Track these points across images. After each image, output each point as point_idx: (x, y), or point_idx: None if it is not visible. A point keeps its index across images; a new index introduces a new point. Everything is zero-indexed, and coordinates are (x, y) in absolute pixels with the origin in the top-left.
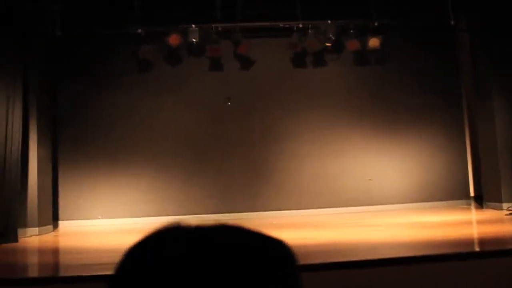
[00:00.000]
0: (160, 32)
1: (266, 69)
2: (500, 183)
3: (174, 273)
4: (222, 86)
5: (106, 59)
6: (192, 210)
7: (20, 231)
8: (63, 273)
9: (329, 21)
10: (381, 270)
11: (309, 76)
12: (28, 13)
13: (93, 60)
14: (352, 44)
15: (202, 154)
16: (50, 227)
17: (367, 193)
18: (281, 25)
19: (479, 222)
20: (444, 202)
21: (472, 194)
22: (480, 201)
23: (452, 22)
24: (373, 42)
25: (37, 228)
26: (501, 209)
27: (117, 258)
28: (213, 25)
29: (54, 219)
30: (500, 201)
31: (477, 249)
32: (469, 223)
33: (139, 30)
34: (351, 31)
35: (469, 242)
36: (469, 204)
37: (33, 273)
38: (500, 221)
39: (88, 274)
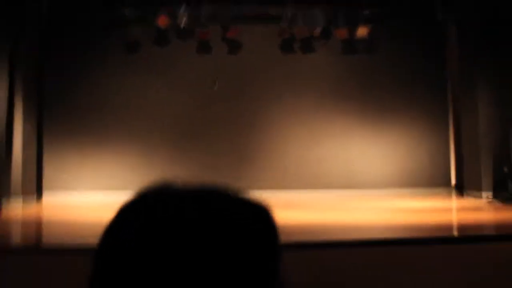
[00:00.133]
0: (148, 13)
1: (254, 54)
2: (480, 173)
3: (159, 236)
4: (210, 69)
5: (95, 37)
6: None
7: (3, 201)
8: (45, 242)
9: (318, 9)
10: (359, 251)
11: (297, 62)
12: None
13: (81, 37)
14: (341, 33)
15: (187, 135)
16: (34, 198)
17: (350, 177)
18: (270, 11)
19: (459, 209)
20: (426, 189)
21: (453, 182)
22: (460, 189)
23: (440, 14)
24: (361, 31)
25: (21, 198)
26: (481, 197)
27: (99, 230)
28: (202, 9)
29: (39, 191)
30: (480, 190)
31: (455, 234)
32: (448, 210)
33: (128, 11)
34: (340, 19)
35: (448, 227)
36: (450, 192)
37: (16, 242)
38: (479, 209)
39: (71, 243)
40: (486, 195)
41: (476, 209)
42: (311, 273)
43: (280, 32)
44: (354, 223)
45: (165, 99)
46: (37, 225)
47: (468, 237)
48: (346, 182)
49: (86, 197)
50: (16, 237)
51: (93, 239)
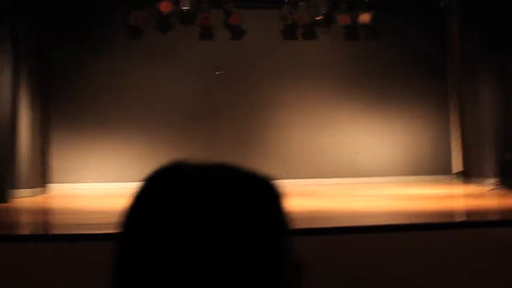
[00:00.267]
0: None
1: (256, 40)
2: (483, 160)
3: (177, 210)
4: (212, 55)
5: (97, 24)
6: None
7: (11, 192)
8: (55, 231)
9: None
10: (363, 237)
11: (299, 49)
12: None
13: (85, 24)
14: (343, 19)
15: (191, 122)
16: (41, 189)
17: (353, 165)
18: None
19: (462, 196)
20: (429, 177)
21: (457, 169)
22: (464, 176)
23: (442, 2)
24: (364, 17)
25: (28, 190)
26: (484, 184)
27: (108, 219)
28: None
29: (45, 182)
30: (483, 177)
31: (458, 219)
32: (451, 196)
33: None
34: (342, 5)
35: (450, 213)
36: (454, 179)
37: (25, 231)
38: (482, 195)
39: (81, 233)
40: (490, 181)
41: (479, 195)
42: (321, 259)
43: (282, 18)
44: (361, 210)
45: (168, 85)
46: (46, 214)
47: (473, 223)
48: (350, 170)
49: (92, 187)
50: (24, 225)
51: (100, 227)
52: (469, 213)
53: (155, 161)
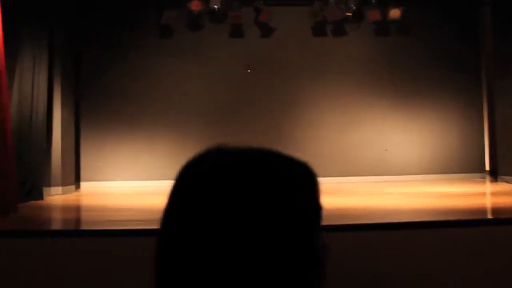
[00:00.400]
0: None
1: (286, 37)
2: None
3: (217, 193)
4: (242, 53)
5: (128, 24)
6: None
7: (44, 190)
8: (85, 227)
9: None
10: (393, 234)
11: (329, 45)
12: None
13: (115, 24)
14: (373, 14)
15: (219, 121)
16: (73, 187)
17: (383, 163)
18: None
19: (492, 194)
20: (459, 175)
21: (487, 168)
22: (494, 175)
23: None
24: (394, 12)
25: (60, 188)
26: None
27: (137, 216)
28: None
29: (76, 180)
30: None
31: (489, 216)
32: (481, 194)
33: None
34: (372, 1)
35: (481, 210)
36: (484, 178)
37: (57, 226)
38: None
39: (110, 228)
40: None
41: (510, 193)
42: (349, 255)
43: (312, 14)
44: (391, 207)
45: (198, 84)
46: (77, 211)
47: (500, 220)
48: (379, 168)
49: (122, 185)
50: (57, 222)
51: (126, 223)
52: (497, 210)
53: (184, 160)
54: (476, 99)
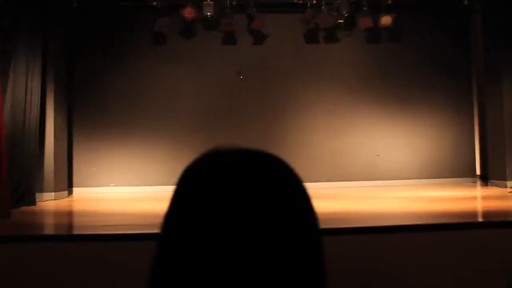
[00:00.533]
0: (175, 5)
1: (278, 44)
2: (505, 162)
3: (219, 194)
4: (235, 60)
5: (122, 30)
6: None
7: (37, 196)
8: (78, 232)
9: None
10: (384, 237)
11: (321, 52)
12: None
13: (109, 31)
14: (365, 22)
15: (213, 127)
16: (65, 192)
17: (374, 168)
18: (295, 1)
19: (482, 198)
20: (450, 179)
21: (478, 172)
22: (485, 179)
23: (466, 2)
24: (386, 20)
25: (53, 193)
26: (505, 187)
27: (129, 220)
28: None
29: (69, 186)
30: (505, 179)
31: (479, 220)
32: (472, 198)
33: (155, 3)
34: (364, 8)
35: (471, 214)
36: (475, 182)
37: (50, 231)
38: (503, 197)
39: (102, 233)
40: (511, 184)
41: (500, 197)
42: (341, 258)
43: (305, 22)
44: (384, 211)
45: (191, 91)
46: (69, 216)
47: (491, 223)
48: (371, 173)
49: (115, 191)
50: (50, 227)
51: (116, 228)
52: (487, 214)
53: (177, 166)
54: (467, 105)
